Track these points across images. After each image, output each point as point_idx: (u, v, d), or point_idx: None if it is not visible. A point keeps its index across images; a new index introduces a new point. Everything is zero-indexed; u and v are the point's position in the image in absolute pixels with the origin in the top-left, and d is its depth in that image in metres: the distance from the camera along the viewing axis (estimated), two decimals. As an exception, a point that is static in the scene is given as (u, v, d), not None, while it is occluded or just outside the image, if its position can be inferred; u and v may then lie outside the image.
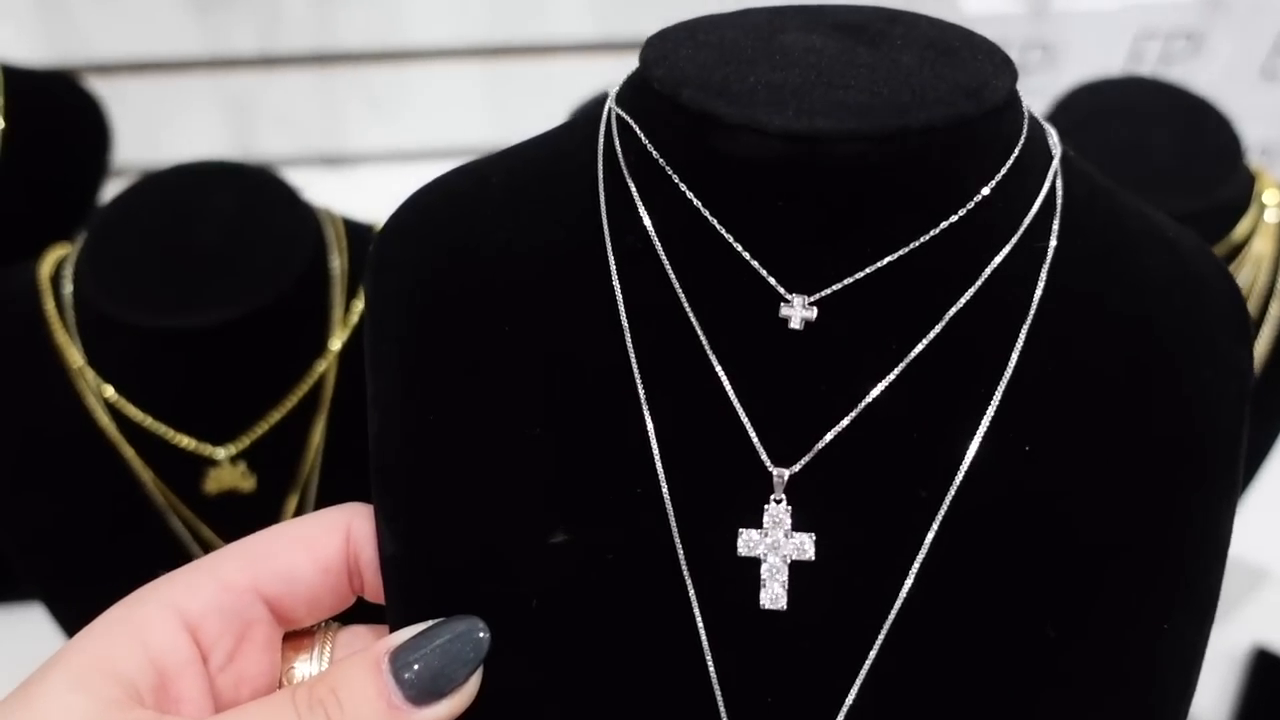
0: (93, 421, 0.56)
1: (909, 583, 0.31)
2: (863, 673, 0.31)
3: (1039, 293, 0.33)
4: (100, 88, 0.92)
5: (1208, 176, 0.62)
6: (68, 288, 0.57)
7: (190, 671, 0.30)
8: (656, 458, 0.32)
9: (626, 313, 0.33)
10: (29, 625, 0.69)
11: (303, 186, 0.62)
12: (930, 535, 0.31)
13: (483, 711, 0.31)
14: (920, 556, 0.31)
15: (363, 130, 1.15)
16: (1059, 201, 0.34)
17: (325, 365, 0.57)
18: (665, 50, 0.33)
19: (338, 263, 0.58)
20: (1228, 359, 0.34)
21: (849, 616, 0.31)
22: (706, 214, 0.32)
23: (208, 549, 0.57)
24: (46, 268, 0.58)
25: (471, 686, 0.30)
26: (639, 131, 0.33)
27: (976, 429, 0.31)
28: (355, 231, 0.61)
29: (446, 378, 0.34)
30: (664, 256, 0.33)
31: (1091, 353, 0.33)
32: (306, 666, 0.33)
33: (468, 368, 0.34)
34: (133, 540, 0.58)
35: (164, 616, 0.30)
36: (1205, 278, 0.35)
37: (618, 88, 0.36)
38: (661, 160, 0.32)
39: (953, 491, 0.31)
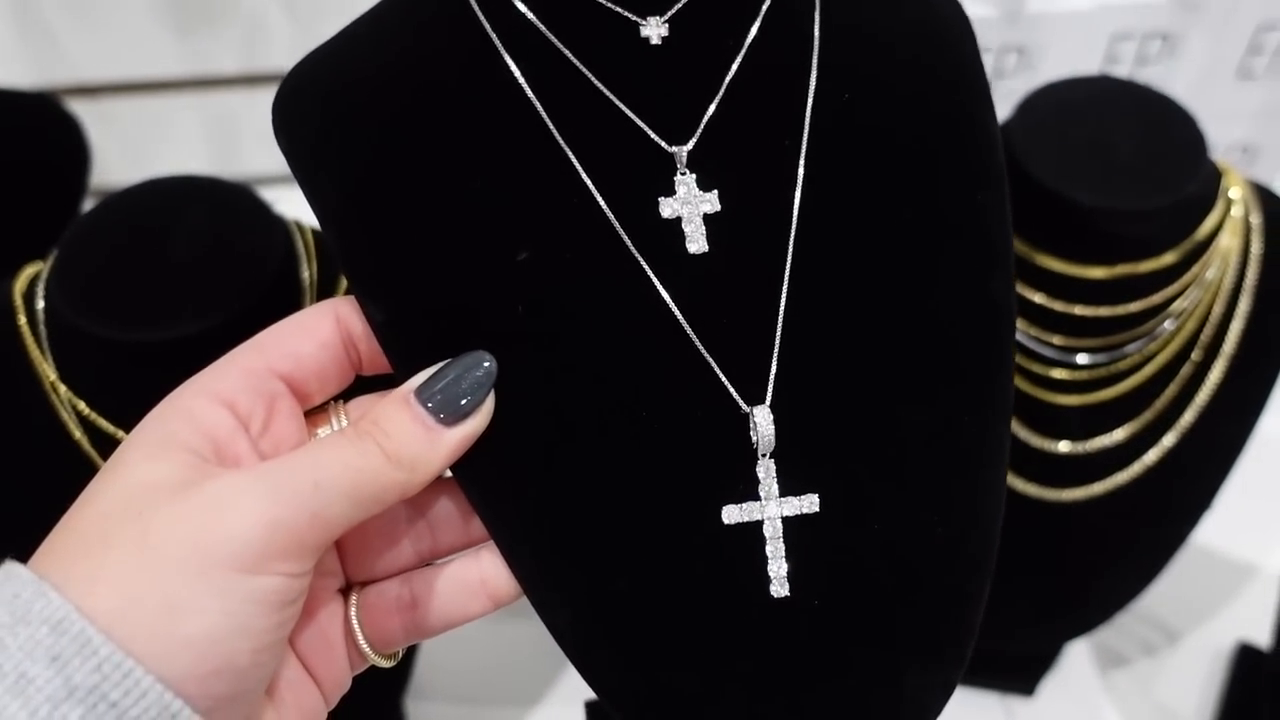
0: (68, 435, 0.57)
1: (796, 208, 0.39)
2: (786, 275, 0.39)
3: None
4: (84, 109, 0.93)
5: (1173, 173, 0.62)
6: (40, 303, 0.57)
7: (238, 438, 0.35)
8: (578, 167, 0.39)
9: (520, 73, 0.39)
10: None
11: (287, 205, 0.62)
12: (800, 170, 0.40)
13: (508, 410, 0.37)
14: (798, 186, 0.40)
15: (346, 146, 1.16)
16: None
17: (297, 376, 0.57)
18: None
19: (307, 274, 0.59)
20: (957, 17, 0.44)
21: (759, 246, 0.39)
22: None
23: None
24: (20, 284, 0.59)
25: (488, 406, 0.37)
26: None
27: (808, 85, 0.41)
28: (325, 243, 0.62)
29: (380, 172, 0.39)
30: (536, 21, 0.40)
31: (873, 14, 0.42)
32: (329, 431, 0.38)
33: (393, 157, 0.39)
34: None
35: (203, 400, 0.35)
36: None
37: None
38: None
39: (805, 136, 0.40)
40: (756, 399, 0.38)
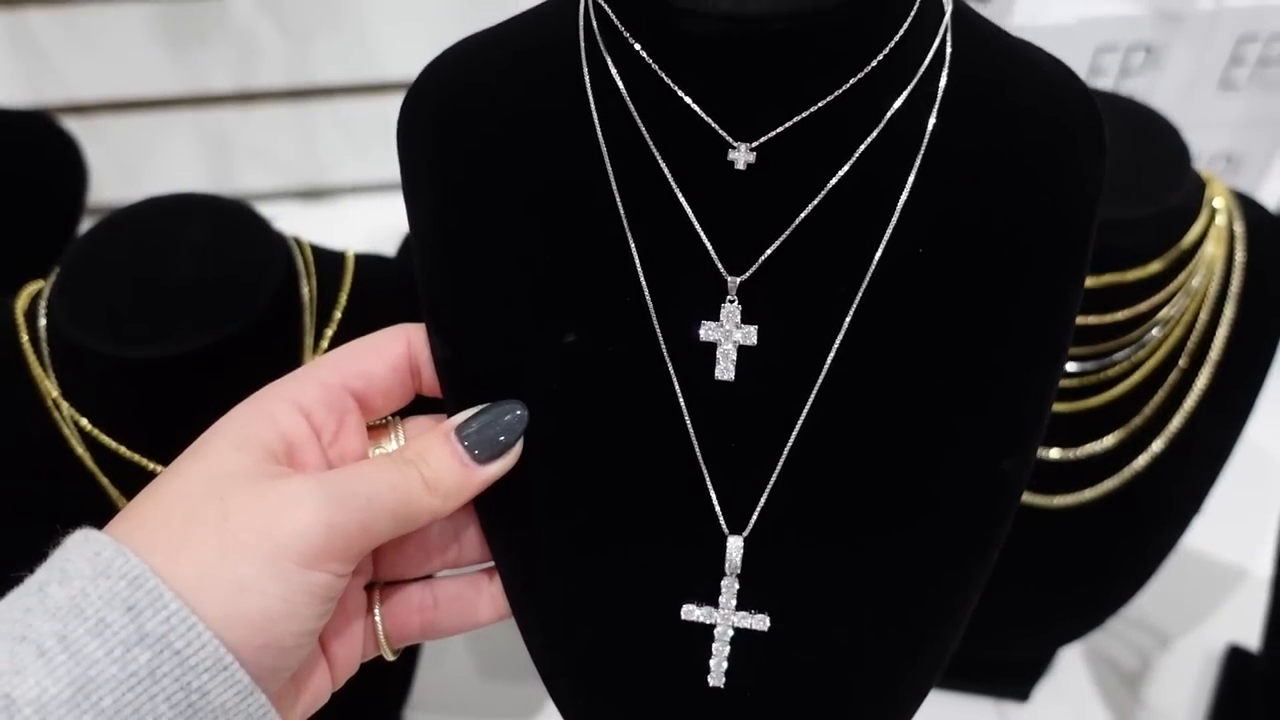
0: (70, 451, 0.57)
1: (832, 355, 0.40)
2: (800, 420, 0.41)
3: (930, 128, 0.40)
4: (78, 126, 0.93)
5: (1158, 183, 0.63)
6: (42, 321, 0.57)
7: (310, 445, 0.39)
8: (640, 272, 0.41)
9: (609, 160, 0.41)
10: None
11: (282, 220, 0.63)
12: (847, 320, 0.40)
13: (529, 460, 0.41)
14: (839, 336, 0.40)
15: (339, 163, 1.17)
16: (948, 51, 0.41)
17: (298, 391, 0.58)
18: None
19: (307, 290, 0.59)
20: (1083, 170, 0.42)
21: (785, 382, 0.41)
22: (667, 80, 0.39)
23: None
24: (22, 301, 0.59)
25: (516, 449, 0.41)
26: (612, 15, 0.40)
27: (882, 237, 0.40)
28: (325, 259, 0.62)
29: (472, 217, 0.42)
30: (636, 115, 0.40)
31: (973, 173, 0.41)
32: (389, 445, 0.42)
33: (487, 208, 0.42)
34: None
35: (286, 405, 0.39)
36: (1070, 103, 0.43)
37: None
38: (630, 38, 0.40)
39: (864, 286, 0.40)
40: (741, 523, 0.41)
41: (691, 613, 0.42)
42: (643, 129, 0.40)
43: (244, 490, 0.36)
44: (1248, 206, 0.68)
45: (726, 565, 0.42)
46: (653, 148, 0.40)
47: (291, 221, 0.65)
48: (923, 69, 0.40)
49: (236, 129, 1.13)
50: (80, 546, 0.34)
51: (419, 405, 0.44)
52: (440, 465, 0.39)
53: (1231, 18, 0.99)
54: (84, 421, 0.57)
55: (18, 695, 0.31)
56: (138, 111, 1.11)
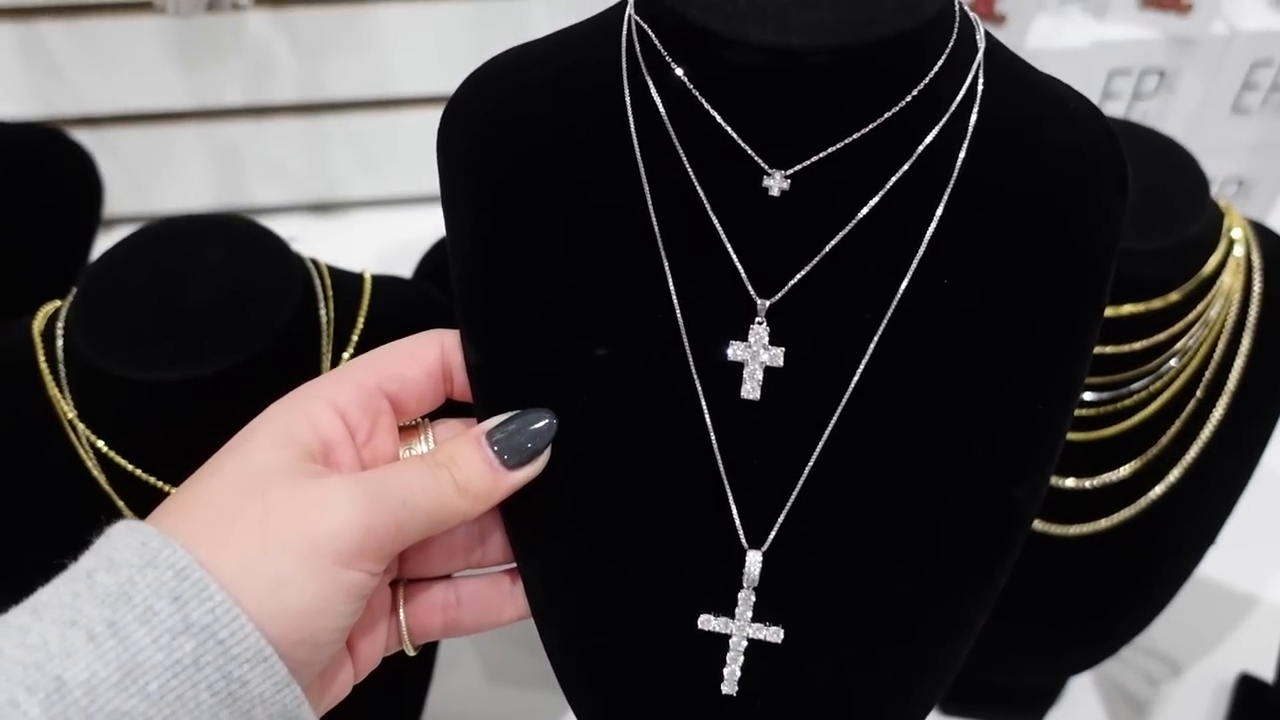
0: (86, 473, 0.57)
1: (856, 379, 0.41)
2: (822, 441, 0.42)
3: (959, 162, 0.41)
4: (89, 139, 0.93)
5: (1177, 213, 0.63)
6: (59, 341, 0.57)
7: (344, 445, 0.40)
8: (672, 291, 0.42)
9: (646, 180, 0.42)
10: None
11: (293, 234, 0.63)
12: (871, 346, 0.41)
13: (556, 468, 0.42)
14: (864, 361, 0.41)
15: (350, 178, 1.17)
16: (979, 89, 0.42)
17: (314, 414, 0.58)
18: None
19: (325, 312, 0.59)
20: (1105, 206, 0.43)
21: (809, 404, 0.42)
22: (707, 106, 0.40)
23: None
24: (39, 322, 0.59)
25: (544, 457, 0.42)
26: (654, 39, 0.41)
27: (909, 266, 0.41)
28: (342, 280, 0.62)
29: (508, 229, 0.43)
30: (674, 137, 0.41)
31: (999, 206, 0.42)
32: (419, 447, 0.43)
33: (524, 221, 0.43)
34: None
35: (323, 405, 0.40)
36: (1095, 141, 0.43)
37: None
38: (672, 62, 0.40)
39: (889, 314, 0.41)
40: (760, 538, 0.43)
41: (708, 623, 0.43)
42: (680, 151, 0.41)
43: (284, 488, 0.37)
44: (1264, 236, 0.68)
45: (745, 579, 0.43)
46: (689, 170, 0.41)
47: (301, 235, 0.65)
48: (954, 105, 0.41)
49: (248, 143, 1.13)
50: (126, 536, 0.35)
51: (447, 408, 0.45)
52: (471, 469, 0.40)
53: (1245, 43, 0.99)
54: (100, 443, 0.57)
55: (68, 677, 0.32)
56: (149, 124, 1.11)
